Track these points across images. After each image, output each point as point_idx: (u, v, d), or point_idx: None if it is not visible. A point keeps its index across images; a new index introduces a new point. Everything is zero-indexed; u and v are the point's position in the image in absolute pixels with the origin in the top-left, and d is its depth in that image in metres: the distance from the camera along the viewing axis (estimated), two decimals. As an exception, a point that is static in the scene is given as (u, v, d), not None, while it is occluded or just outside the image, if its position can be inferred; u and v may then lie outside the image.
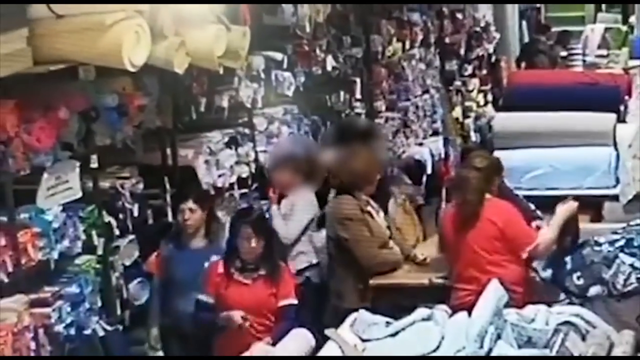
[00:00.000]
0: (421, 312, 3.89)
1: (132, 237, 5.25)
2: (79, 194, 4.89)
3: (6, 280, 4.42)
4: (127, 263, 5.21)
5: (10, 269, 4.42)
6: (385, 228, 5.49)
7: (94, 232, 4.97)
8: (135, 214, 5.29)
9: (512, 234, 4.79)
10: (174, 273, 5.17)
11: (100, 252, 4.99)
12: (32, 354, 4.44)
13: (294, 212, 5.70)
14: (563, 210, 4.89)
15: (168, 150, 5.80)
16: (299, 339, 4.10)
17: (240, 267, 4.81)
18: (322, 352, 3.65)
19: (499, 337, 3.56)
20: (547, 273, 4.69)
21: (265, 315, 4.74)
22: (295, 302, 4.81)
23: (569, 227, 4.84)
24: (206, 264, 5.01)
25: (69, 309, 4.71)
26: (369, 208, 5.42)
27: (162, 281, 5.22)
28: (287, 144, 6.24)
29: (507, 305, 3.84)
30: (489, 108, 10.60)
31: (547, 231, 4.83)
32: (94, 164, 5.04)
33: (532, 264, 4.87)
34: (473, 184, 4.84)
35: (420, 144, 8.85)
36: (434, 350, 3.61)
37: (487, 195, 4.89)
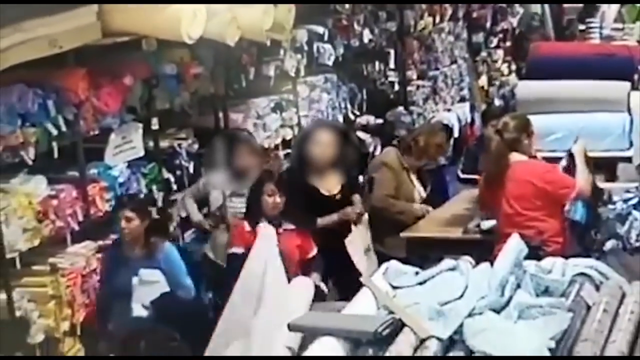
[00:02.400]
0: (447, 262, 3.89)
1: (188, 191, 5.34)
2: (142, 153, 5.02)
3: (77, 228, 4.58)
4: (183, 215, 5.33)
5: (80, 219, 4.60)
6: (417, 192, 5.49)
7: (154, 187, 5.10)
8: (191, 170, 5.42)
9: (553, 189, 4.56)
10: (110, 278, 4.52)
11: (159, 204, 5.11)
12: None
13: None
14: (579, 149, 4.72)
15: (220, 114, 5.89)
16: (304, 286, 4.05)
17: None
18: (356, 298, 3.68)
19: (518, 286, 3.58)
20: (579, 215, 4.57)
21: (290, 265, 4.50)
22: (317, 253, 4.70)
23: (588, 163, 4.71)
24: (136, 277, 4.40)
25: (131, 255, 4.84)
26: (410, 173, 5.45)
27: (101, 282, 4.59)
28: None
29: (543, 257, 3.80)
30: (513, 77, 10.49)
31: (579, 172, 4.61)
32: (155, 126, 5.15)
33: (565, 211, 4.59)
34: (492, 147, 4.65)
35: (449, 110, 8.83)
36: (459, 298, 3.64)
37: (519, 157, 4.67)
